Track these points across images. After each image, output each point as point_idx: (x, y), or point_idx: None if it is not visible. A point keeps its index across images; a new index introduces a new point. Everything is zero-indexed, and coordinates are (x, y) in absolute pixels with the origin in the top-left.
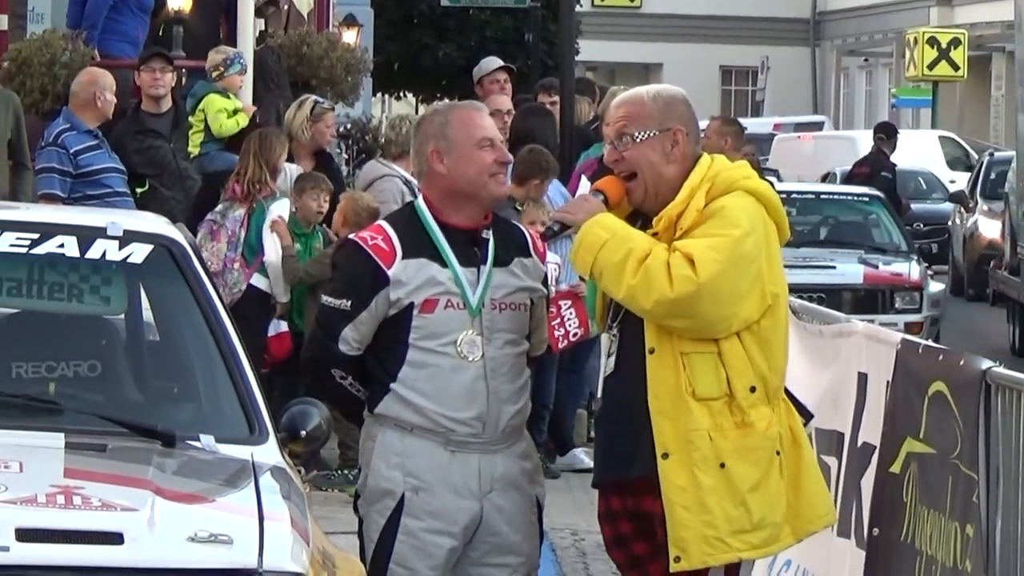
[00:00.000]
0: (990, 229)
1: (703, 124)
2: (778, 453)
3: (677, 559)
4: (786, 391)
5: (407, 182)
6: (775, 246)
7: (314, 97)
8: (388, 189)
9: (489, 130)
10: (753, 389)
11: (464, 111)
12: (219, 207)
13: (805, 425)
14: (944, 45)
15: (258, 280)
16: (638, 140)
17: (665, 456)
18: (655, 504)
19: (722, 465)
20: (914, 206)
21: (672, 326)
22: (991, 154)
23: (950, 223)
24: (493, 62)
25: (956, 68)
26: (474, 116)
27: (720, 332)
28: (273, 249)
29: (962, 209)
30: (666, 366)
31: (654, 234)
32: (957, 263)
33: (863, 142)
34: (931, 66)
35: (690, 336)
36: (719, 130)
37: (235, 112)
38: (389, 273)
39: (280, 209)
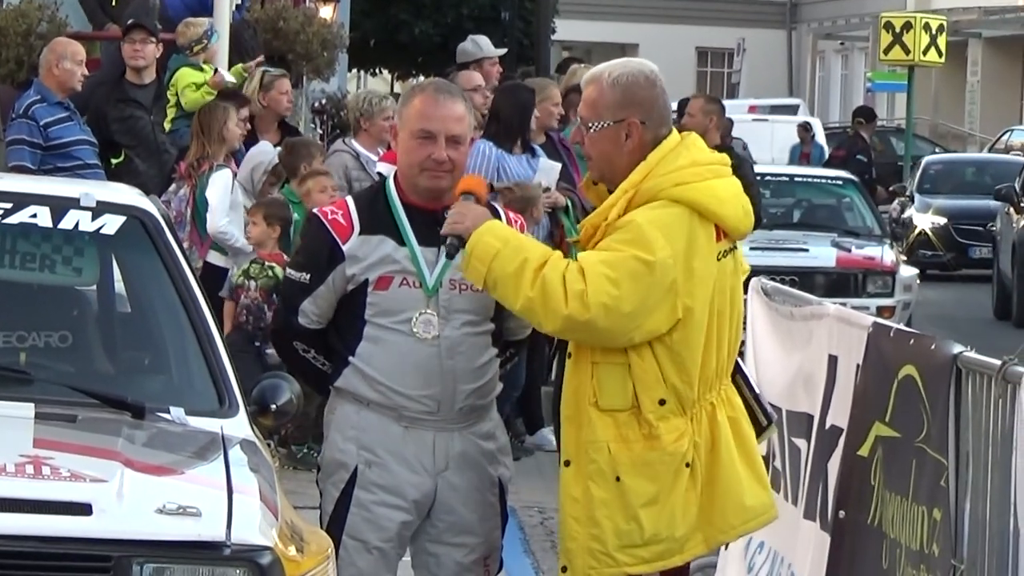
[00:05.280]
0: None
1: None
2: (688, 465)
3: (564, 569)
4: (754, 393)
5: (357, 156)
6: (702, 255)
7: (265, 67)
8: (332, 163)
9: (435, 123)
10: (663, 402)
11: (428, 95)
12: (172, 187)
13: (765, 428)
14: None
15: (214, 257)
16: (592, 130)
17: (567, 464)
18: None
19: (617, 479)
20: (958, 202)
21: (573, 339)
22: None
23: (994, 226)
24: (489, 44)
25: (940, 54)
26: (430, 104)
27: (621, 344)
28: (213, 218)
29: (1010, 209)
30: (579, 374)
31: (576, 243)
32: (1003, 276)
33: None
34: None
35: (595, 346)
36: (704, 108)
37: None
38: (344, 248)
39: (219, 181)
